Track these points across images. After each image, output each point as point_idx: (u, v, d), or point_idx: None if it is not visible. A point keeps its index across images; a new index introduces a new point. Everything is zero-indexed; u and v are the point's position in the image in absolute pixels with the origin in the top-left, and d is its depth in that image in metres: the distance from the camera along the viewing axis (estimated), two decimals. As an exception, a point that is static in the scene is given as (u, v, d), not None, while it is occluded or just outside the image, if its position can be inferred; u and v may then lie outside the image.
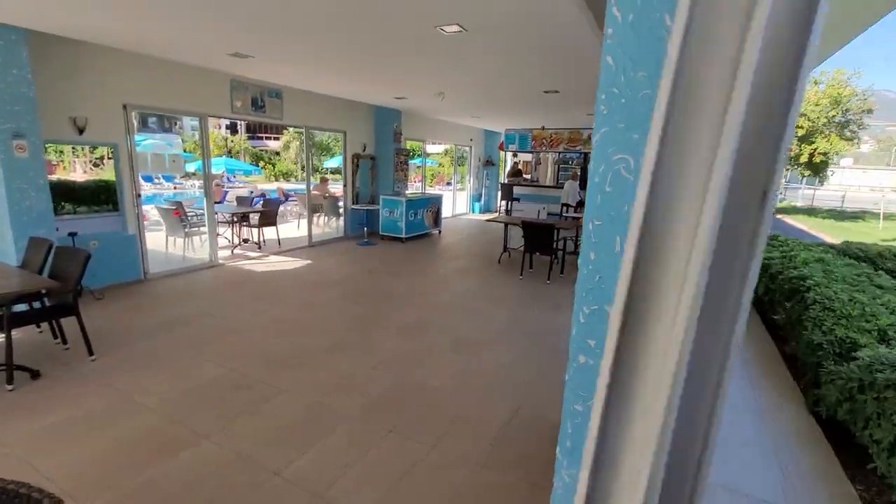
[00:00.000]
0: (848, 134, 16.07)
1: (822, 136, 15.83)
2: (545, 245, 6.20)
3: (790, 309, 3.71)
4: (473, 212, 14.77)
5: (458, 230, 11.34)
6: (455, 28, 3.64)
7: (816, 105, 15.33)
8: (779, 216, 19.09)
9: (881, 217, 16.58)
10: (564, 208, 11.75)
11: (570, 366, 1.06)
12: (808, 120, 15.44)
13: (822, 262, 4.39)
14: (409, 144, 11.17)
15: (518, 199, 12.91)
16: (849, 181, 38.99)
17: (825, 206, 22.64)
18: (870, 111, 15.50)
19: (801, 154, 16.08)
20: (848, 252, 5.94)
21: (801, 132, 15.57)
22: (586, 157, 12.83)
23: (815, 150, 15.85)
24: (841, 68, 15.20)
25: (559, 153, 13.25)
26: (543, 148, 12.94)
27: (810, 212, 20.30)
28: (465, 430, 2.66)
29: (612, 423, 0.44)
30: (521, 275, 6.44)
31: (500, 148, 13.26)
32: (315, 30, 3.87)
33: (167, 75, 5.48)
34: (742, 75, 0.34)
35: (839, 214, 19.58)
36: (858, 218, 18.49)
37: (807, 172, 17.18)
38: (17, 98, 3.96)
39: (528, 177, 14.72)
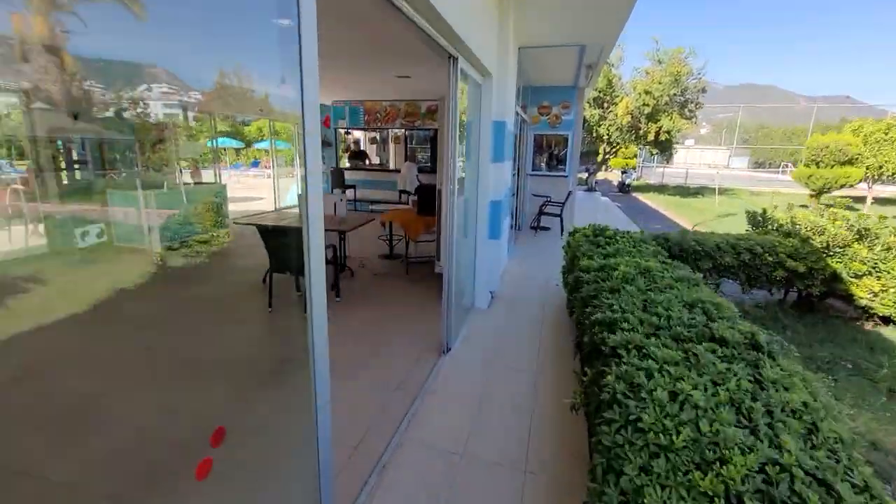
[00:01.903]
0: (687, 113, 16.61)
1: (666, 114, 16.11)
2: (287, 262, 4.05)
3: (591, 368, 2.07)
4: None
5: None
6: None
7: (659, 83, 15.42)
8: (634, 194, 19.61)
9: (716, 192, 17.62)
10: (403, 196, 9.88)
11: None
12: (653, 97, 15.51)
13: (648, 275, 2.92)
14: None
15: (354, 187, 10.75)
16: (693, 159, 43.85)
17: (673, 184, 24.23)
18: (704, 90, 16.08)
19: (648, 132, 16.24)
20: (683, 248, 4.74)
21: (647, 110, 15.64)
22: (436, 134, 11.01)
23: (661, 128, 16.09)
24: (680, 47, 15.49)
25: (405, 130, 11.27)
26: (379, 124, 10.86)
27: (661, 189, 21.34)
28: None
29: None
30: (271, 306, 4.26)
31: (326, 124, 10.91)
32: None
33: None
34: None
35: (684, 191, 20.80)
36: (699, 194, 19.70)
37: (654, 150, 17.59)
38: None
39: (376, 160, 12.60)
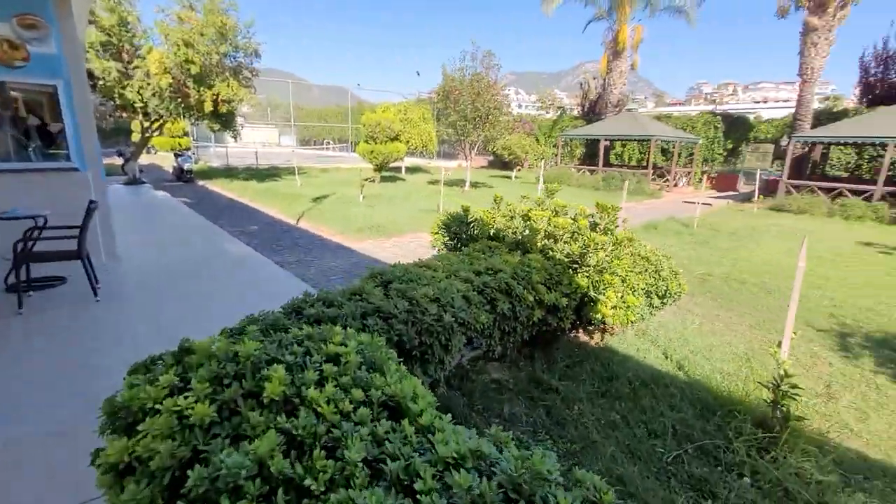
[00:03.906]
0: (244, 81, 13.72)
1: (221, 79, 12.57)
2: None
3: None
4: None
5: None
6: None
7: (202, 34, 11.55)
8: (201, 183, 15.26)
9: (296, 173, 16.10)
10: None
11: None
12: (199, 54, 11.53)
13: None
14: None
15: None
16: (248, 137, 41.86)
17: (240, 165, 21.19)
18: (257, 54, 13.54)
19: (205, 100, 12.25)
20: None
21: (194, 69, 11.54)
22: None
23: (219, 96, 12.45)
24: (217, -8, 11.98)
25: None
26: None
27: (230, 173, 17.88)
28: None
29: None
30: None
31: None
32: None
33: None
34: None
35: (259, 174, 18.25)
36: (276, 176, 17.71)
37: (216, 126, 13.82)
38: None
39: None
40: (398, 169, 21.73)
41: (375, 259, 6.84)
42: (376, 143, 15.82)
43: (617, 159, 24.65)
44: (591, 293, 3.36)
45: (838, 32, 15.98)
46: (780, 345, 2.81)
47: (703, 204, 15.89)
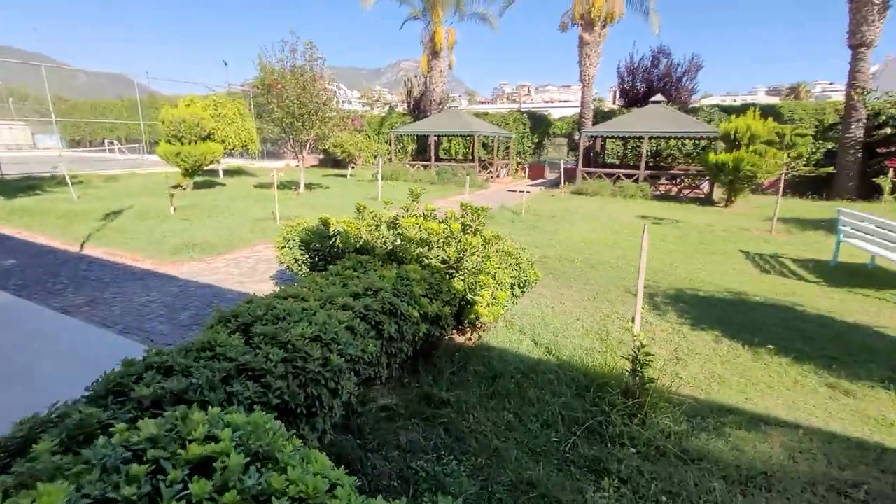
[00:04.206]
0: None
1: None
2: None
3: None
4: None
5: None
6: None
7: None
8: None
9: (69, 182, 12.54)
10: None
11: None
12: None
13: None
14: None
15: None
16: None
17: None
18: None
19: None
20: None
21: None
22: None
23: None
24: None
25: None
26: None
27: (-44, 188, 12.93)
28: None
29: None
30: None
31: None
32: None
33: None
34: None
35: (5, 188, 13.66)
36: (36, 189, 13.53)
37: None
38: None
39: None
40: (215, 172, 18.93)
41: (208, 285, 5.70)
42: (183, 144, 13.39)
43: (446, 154, 26.15)
44: (469, 296, 3.31)
45: (605, 48, 19.75)
46: (633, 320, 3.19)
47: (525, 192, 18.06)
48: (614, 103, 25.67)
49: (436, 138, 22.19)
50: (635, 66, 23.16)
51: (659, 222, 11.02)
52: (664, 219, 11.45)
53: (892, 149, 14.18)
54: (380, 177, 14.13)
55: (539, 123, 23.91)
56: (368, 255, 3.19)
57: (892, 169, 14.00)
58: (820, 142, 16.98)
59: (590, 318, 4.82)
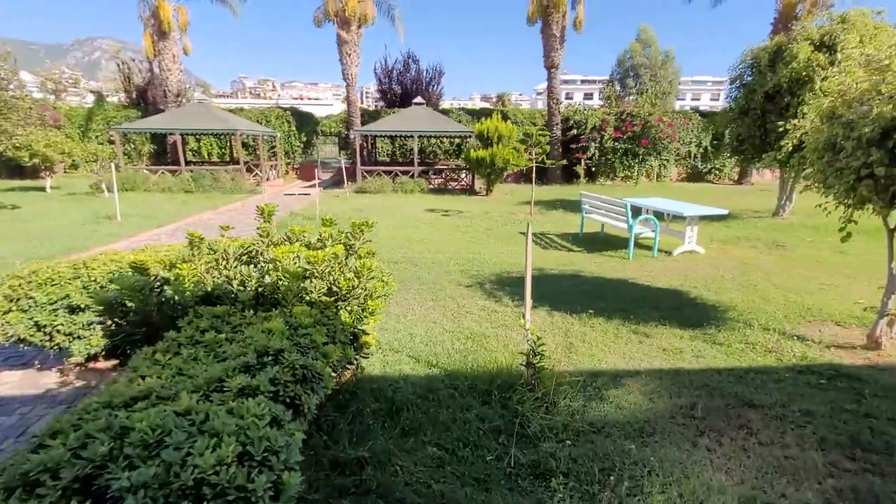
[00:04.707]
0: None
1: None
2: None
3: None
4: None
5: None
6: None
7: None
8: None
9: None
10: None
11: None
12: None
13: None
14: None
15: None
16: None
17: None
18: None
19: None
20: None
21: None
22: None
23: None
24: None
25: None
26: None
27: None
28: None
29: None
30: None
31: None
32: None
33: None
34: None
35: None
36: None
37: None
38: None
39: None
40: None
41: None
42: None
43: (194, 156, 22.10)
44: (359, 327, 2.79)
45: (364, 47, 20.11)
46: (524, 316, 3.31)
47: (306, 194, 16.91)
48: (363, 102, 26.72)
49: (181, 138, 18.41)
50: (390, 69, 24.58)
51: (447, 214, 12.07)
52: (449, 210, 12.62)
53: (579, 145, 19.46)
54: (115, 188, 10.82)
55: (306, 122, 22.75)
56: (223, 304, 2.26)
57: (581, 160, 19.15)
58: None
59: (445, 319, 4.84)
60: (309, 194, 16.63)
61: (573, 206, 12.84)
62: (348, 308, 2.74)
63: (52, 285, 3.26)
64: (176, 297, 2.23)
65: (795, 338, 4.42)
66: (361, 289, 2.67)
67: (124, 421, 1.47)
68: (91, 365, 3.74)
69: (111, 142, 18.65)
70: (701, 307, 5.26)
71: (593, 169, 19.82)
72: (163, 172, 17.45)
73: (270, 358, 1.92)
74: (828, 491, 2.50)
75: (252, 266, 2.53)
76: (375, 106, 26.95)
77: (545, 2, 18.19)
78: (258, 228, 3.01)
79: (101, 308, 2.15)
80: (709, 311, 5.14)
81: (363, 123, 20.74)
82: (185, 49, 21.27)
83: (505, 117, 17.16)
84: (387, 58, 24.35)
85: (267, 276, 2.37)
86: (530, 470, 2.61)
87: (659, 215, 8.30)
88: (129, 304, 2.14)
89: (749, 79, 9.96)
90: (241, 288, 2.41)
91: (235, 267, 2.45)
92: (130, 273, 2.31)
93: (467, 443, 2.81)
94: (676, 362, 3.97)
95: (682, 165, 21.66)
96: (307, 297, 2.47)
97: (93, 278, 3.28)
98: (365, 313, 2.85)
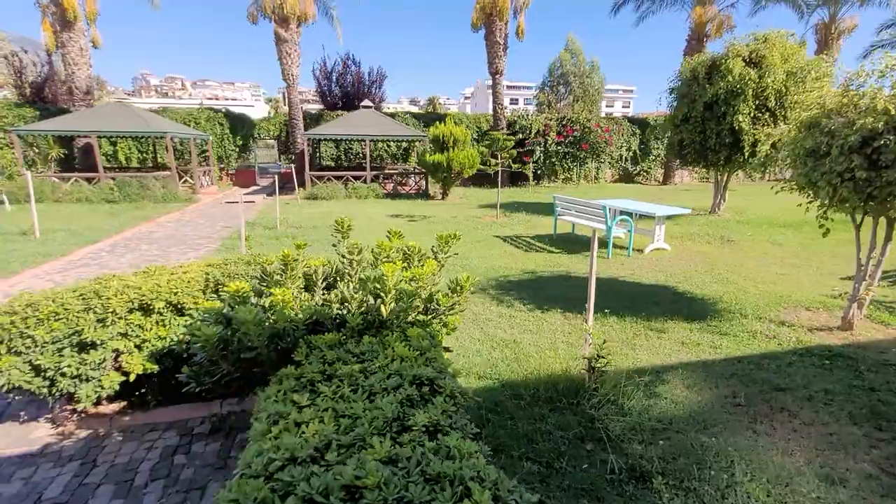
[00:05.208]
0: None
1: None
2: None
3: None
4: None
5: None
6: None
7: None
8: None
9: None
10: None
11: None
12: None
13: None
14: None
15: None
16: None
17: None
18: None
19: None
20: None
21: None
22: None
23: None
24: None
25: None
26: None
27: None
28: None
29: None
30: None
31: None
32: None
33: None
34: None
35: None
36: None
37: None
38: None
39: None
40: None
41: None
42: None
43: (109, 161, 19.74)
44: (443, 344, 2.66)
45: (304, 47, 19.24)
46: (586, 321, 3.35)
47: (247, 202, 15.75)
48: (285, 104, 25.62)
49: (95, 141, 16.32)
50: (329, 70, 23.76)
51: (413, 219, 11.90)
52: (414, 215, 12.45)
53: (526, 149, 20.16)
54: (32, 201, 9.35)
55: (241, 124, 21.24)
56: (330, 331, 2.01)
57: (528, 163, 19.85)
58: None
59: (469, 328, 4.76)
60: (253, 202, 15.54)
61: (532, 209, 13.26)
62: (439, 321, 2.60)
63: (57, 320, 2.72)
64: (285, 327, 1.94)
65: (783, 324, 4.93)
66: (459, 306, 2.54)
67: (329, 479, 1.27)
68: (94, 410, 3.18)
69: (10, 145, 16.05)
70: (694, 301, 5.68)
71: (538, 172, 20.64)
72: (76, 180, 15.40)
73: (427, 388, 1.76)
74: (879, 461, 2.81)
75: (347, 286, 2.29)
76: (318, 109, 25.90)
77: (489, 10, 18.66)
78: (336, 245, 2.73)
79: (202, 345, 1.81)
80: (702, 304, 5.56)
81: (306, 127, 19.83)
82: (93, 41, 18.93)
83: (453, 122, 17.32)
84: (325, 59, 23.54)
85: (371, 297, 2.16)
86: (629, 474, 2.65)
87: (628, 215, 8.84)
88: (226, 350, 1.82)
89: (689, 89, 10.93)
90: (342, 311, 2.17)
91: (315, 290, 2.18)
92: (213, 311, 1.95)
93: (559, 454, 2.79)
94: (699, 354, 4.24)
95: (614, 168, 23.28)
96: (407, 318, 2.30)
97: (109, 309, 2.79)
98: (446, 329, 2.72)
